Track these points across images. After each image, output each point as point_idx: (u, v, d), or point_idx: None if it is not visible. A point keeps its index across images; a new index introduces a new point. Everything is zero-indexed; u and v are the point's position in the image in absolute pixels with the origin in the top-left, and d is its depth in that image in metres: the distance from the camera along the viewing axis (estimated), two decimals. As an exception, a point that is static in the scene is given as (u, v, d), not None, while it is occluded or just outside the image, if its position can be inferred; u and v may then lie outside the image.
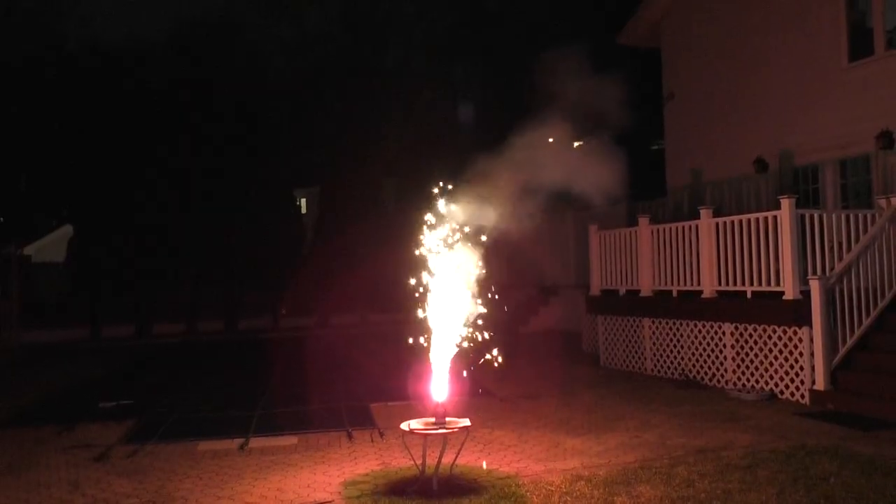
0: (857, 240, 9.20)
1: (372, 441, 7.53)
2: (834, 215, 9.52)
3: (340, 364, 13.32)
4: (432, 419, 5.83)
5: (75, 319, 20.87)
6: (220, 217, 21.26)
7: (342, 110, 26.18)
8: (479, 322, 6.08)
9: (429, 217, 6.07)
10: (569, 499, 5.43)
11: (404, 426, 5.83)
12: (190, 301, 21.97)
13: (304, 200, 28.72)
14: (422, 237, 6.06)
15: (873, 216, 9.46)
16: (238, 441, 7.54)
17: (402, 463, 6.46)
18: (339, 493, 5.78)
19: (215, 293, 22.08)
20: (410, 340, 6.08)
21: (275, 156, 22.93)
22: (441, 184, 6.12)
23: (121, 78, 22.88)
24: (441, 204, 6.05)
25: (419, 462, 5.80)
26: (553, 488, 5.67)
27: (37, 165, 28.45)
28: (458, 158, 6.42)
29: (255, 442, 7.55)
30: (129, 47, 26.06)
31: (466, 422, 5.90)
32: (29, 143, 27.40)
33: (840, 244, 9.33)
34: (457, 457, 5.98)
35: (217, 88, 22.92)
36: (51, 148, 25.31)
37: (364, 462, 6.71)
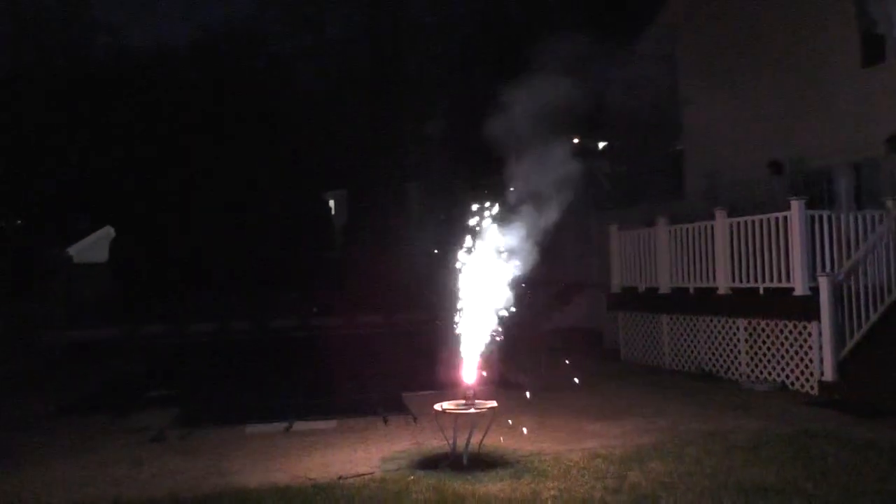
0: (866, 239, 9.63)
1: (406, 425, 8.13)
2: (843, 216, 9.95)
3: (371, 359, 13.88)
4: (462, 401, 6.42)
5: (114, 318, 21.68)
6: (253, 219, 22.01)
7: (367, 114, 26.87)
8: (507, 318, 6.64)
9: (459, 215, 6.61)
10: (586, 472, 5.98)
11: (437, 407, 6.43)
12: (222, 300, 22.71)
13: (332, 202, 29.40)
14: (452, 234, 6.62)
15: (881, 217, 9.87)
16: (283, 425, 8.18)
17: (434, 443, 7.04)
18: (378, 466, 6.40)
19: (247, 293, 22.81)
20: (440, 330, 6.64)
21: (304, 159, 23.65)
22: (467, 184, 6.67)
23: (152, 84, 23.76)
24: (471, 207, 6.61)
25: (450, 440, 6.38)
26: (572, 464, 6.23)
27: (74, 169, 29.48)
28: (482, 159, 6.92)
29: (298, 426, 8.20)
30: (159, 55, 26.96)
31: (493, 403, 6.48)
32: (65, 147, 28.38)
33: (849, 244, 9.76)
34: (484, 436, 6.55)
35: (245, 95, 23.70)
36: (88, 152, 26.25)
37: (399, 442, 7.32)
